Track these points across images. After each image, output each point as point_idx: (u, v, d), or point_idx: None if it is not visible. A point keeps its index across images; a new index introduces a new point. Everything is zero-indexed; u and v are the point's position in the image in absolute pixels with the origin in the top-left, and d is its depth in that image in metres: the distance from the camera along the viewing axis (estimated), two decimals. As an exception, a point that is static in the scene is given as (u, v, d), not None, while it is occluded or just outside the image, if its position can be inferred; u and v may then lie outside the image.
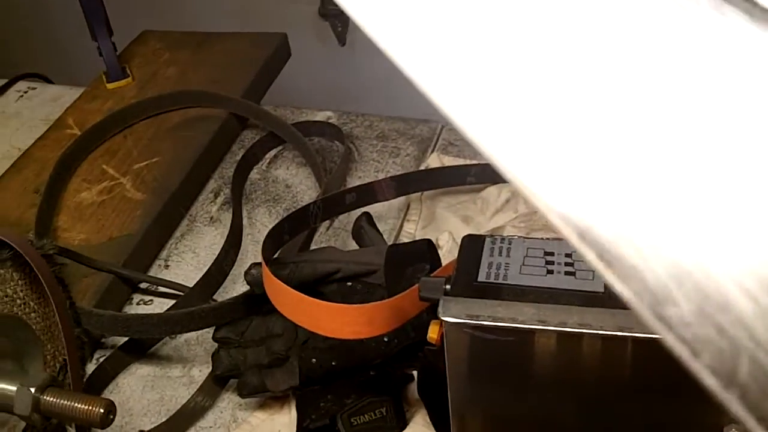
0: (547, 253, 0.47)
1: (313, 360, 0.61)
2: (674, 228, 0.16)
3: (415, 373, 0.61)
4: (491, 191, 0.77)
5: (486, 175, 0.78)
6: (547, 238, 0.49)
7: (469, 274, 0.47)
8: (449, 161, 0.83)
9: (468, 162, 0.81)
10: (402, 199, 0.79)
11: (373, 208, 0.76)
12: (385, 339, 0.59)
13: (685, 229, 0.16)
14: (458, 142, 0.88)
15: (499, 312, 0.42)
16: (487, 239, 0.49)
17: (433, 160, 0.83)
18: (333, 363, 0.60)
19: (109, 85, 0.99)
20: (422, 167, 0.83)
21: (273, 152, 0.91)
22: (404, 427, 0.58)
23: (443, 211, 0.78)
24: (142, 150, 0.89)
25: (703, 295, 0.15)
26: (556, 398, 0.45)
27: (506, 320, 0.41)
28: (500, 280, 0.46)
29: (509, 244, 0.48)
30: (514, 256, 0.47)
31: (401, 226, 0.78)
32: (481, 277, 0.46)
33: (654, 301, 0.16)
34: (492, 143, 0.18)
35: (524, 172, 0.17)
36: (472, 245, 0.49)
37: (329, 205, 0.72)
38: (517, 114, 0.18)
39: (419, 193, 0.80)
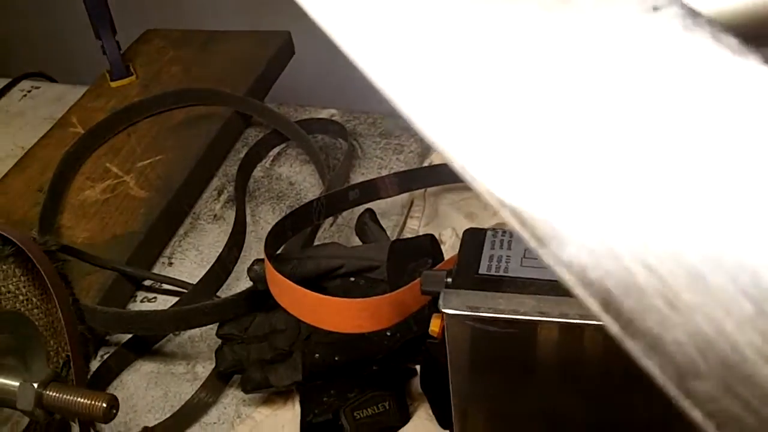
0: (548, 246, 0.47)
1: (316, 355, 0.61)
2: (697, 298, 0.15)
3: (417, 367, 0.61)
4: (494, 187, 0.77)
5: (489, 170, 0.78)
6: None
7: (470, 267, 0.47)
8: (452, 157, 0.83)
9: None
10: (405, 195, 0.79)
11: (376, 205, 0.76)
12: (388, 333, 0.59)
13: (707, 300, 0.15)
14: (461, 139, 0.87)
15: (500, 304, 0.42)
16: (489, 232, 0.49)
17: (437, 157, 0.83)
18: (336, 358, 0.60)
19: (113, 84, 1.00)
20: (426, 164, 0.83)
21: (276, 150, 0.91)
22: (407, 421, 0.58)
23: (446, 208, 0.78)
24: (146, 148, 0.89)
25: (728, 368, 0.15)
26: (558, 390, 0.45)
27: (507, 312, 0.41)
28: (501, 273, 0.46)
29: (510, 237, 0.48)
30: (515, 249, 0.47)
31: (404, 223, 0.77)
32: (483, 270, 0.46)
33: (679, 374, 0.15)
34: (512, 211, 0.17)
35: (547, 240, 0.16)
36: (474, 239, 0.49)
37: (332, 202, 0.72)
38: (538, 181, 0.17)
39: (422, 190, 0.80)
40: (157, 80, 1.00)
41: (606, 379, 0.43)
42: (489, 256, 0.47)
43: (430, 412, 0.57)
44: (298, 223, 0.69)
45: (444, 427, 0.55)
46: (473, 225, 0.74)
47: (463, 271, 0.47)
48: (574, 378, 0.43)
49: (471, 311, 0.42)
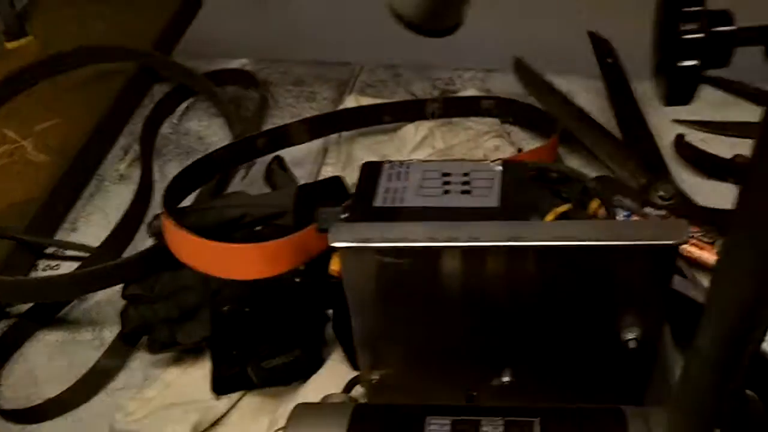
0: (444, 174, 0.45)
1: (225, 308, 0.58)
2: None
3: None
4: (408, 129, 0.75)
5: (402, 113, 0.76)
6: (446, 160, 0.47)
7: (366, 200, 0.45)
8: (367, 102, 0.80)
9: (387, 101, 0.78)
10: (320, 143, 0.76)
11: (290, 154, 0.74)
12: (297, 279, 0.57)
13: None
14: (376, 84, 0.85)
15: (390, 233, 0.40)
16: (386, 165, 0.47)
17: (350, 102, 0.80)
18: (246, 309, 0.58)
19: (9, 45, 0.94)
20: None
21: (185, 104, 0.86)
22: (320, 366, 0.56)
23: (361, 152, 0.75)
24: (45, 110, 0.84)
25: None
26: (458, 317, 0.43)
27: (397, 240, 0.39)
28: (397, 204, 0.44)
29: (407, 168, 0.46)
30: (411, 180, 0.45)
31: (319, 170, 0.75)
32: (378, 203, 0.44)
33: None
34: None
35: None
36: (371, 172, 0.47)
37: (238, 151, 0.68)
38: None
39: (337, 136, 0.77)
40: (57, 39, 0.94)
41: (502, 300, 0.41)
42: (385, 188, 0.45)
43: (344, 355, 0.55)
44: (202, 176, 0.66)
45: (356, 369, 0.53)
46: (388, 168, 0.72)
47: (358, 205, 0.45)
48: (471, 302, 0.42)
49: (360, 243, 0.40)
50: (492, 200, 0.43)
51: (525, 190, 0.45)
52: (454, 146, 0.73)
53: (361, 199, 0.44)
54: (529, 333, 0.43)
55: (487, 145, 0.73)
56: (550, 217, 0.63)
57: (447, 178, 0.44)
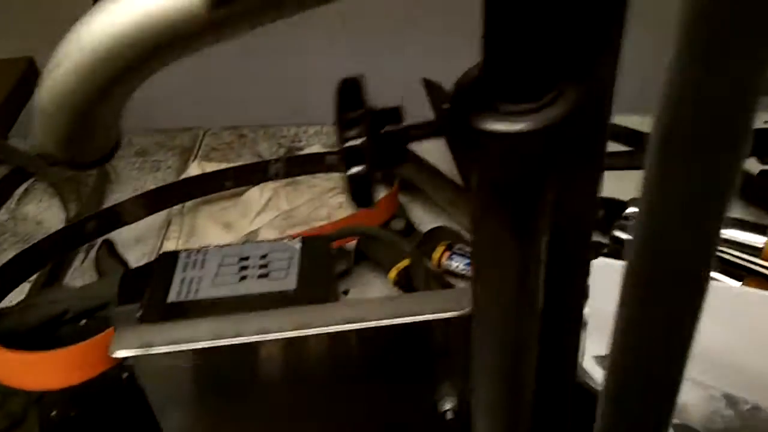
0: (242, 259, 0.43)
1: (53, 413, 0.54)
2: None
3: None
4: (253, 193, 0.74)
5: (245, 176, 0.74)
6: (246, 242, 0.45)
7: (160, 295, 0.42)
8: (212, 167, 0.78)
9: (229, 166, 0.77)
10: (162, 216, 0.74)
11: (130, 230, 0.71)
12: (124, 375, 0.54)
13: None
14: (222, 147, 0.83)
15: (176, 334, 0.38)
16: (182, 254, 0.45)
17: (193, 169, 0.78)
18: (72, 413, 0.54)
19: None
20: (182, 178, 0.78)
21: (24, 186, 0.82)
22: (157, 467, 0.53)
23: (204, 221, 0.73)
24: None
25: None
26: (275, 404, 0.41)
27: (181, 342, 0.37)
28: (191, 297, 0.42)
29: (204, 255, 0.44)
30: (207, 268, 0.43)
31: (161, 246, 0.72)
32: (172, 297, 0.42)
33: None
34: None
35: None
36: (166, 263, 0.45)
37: (67, 238, 0.65)
38: None
39: (180, 207, 0.75)
40: None
41: (303, 387, 0.40)
42: (180, 280, 0.43)
43: (180, 451, 0.52)
44: (26, 269, 0.62)
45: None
46: (230, 235, 0.70)
47: (152, 302, 0.42)
48: (285, 389, 0.40)
49: (143, 349, 0.38)
50: (290, 282, 0.41)
51: (324, 265, 0.44)
52: (299, 206, 0.72)
53: (155, 295, 0.42)
54: (351, 413, 0.42)
55: (332, 202, 0.72)
56: (392, 273, 0.63)
57: (244, 263, 0.43)
